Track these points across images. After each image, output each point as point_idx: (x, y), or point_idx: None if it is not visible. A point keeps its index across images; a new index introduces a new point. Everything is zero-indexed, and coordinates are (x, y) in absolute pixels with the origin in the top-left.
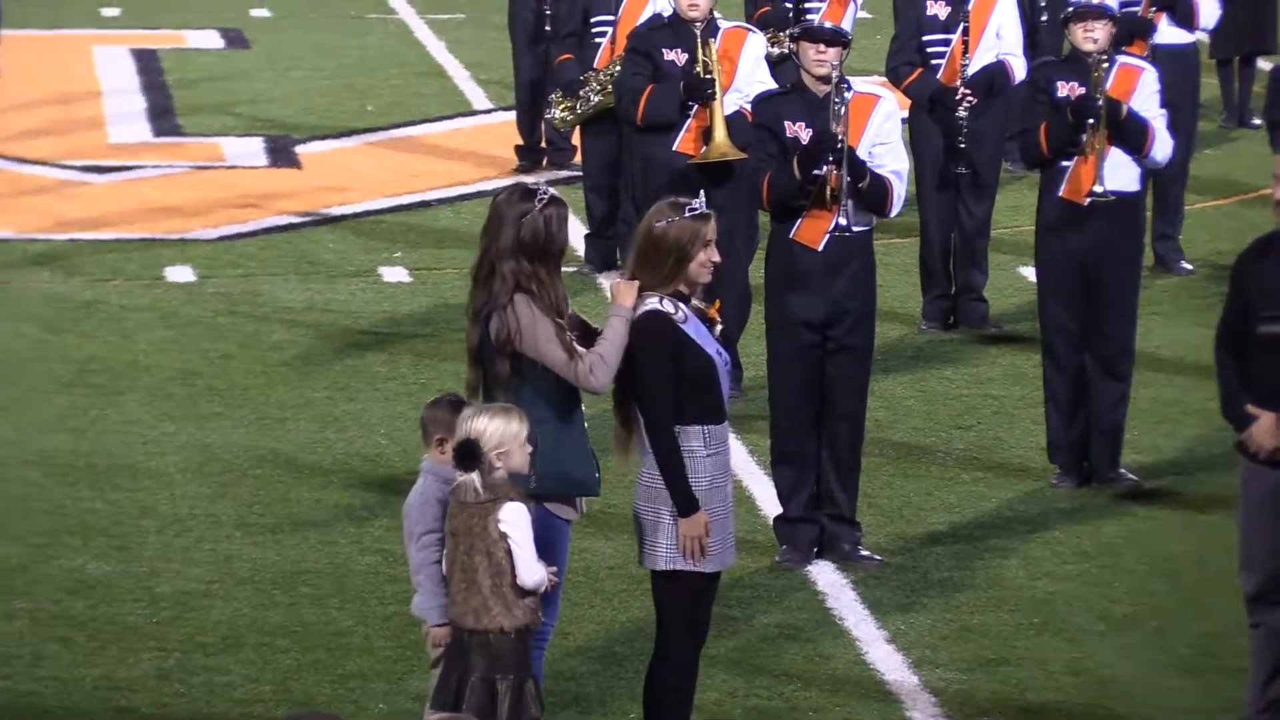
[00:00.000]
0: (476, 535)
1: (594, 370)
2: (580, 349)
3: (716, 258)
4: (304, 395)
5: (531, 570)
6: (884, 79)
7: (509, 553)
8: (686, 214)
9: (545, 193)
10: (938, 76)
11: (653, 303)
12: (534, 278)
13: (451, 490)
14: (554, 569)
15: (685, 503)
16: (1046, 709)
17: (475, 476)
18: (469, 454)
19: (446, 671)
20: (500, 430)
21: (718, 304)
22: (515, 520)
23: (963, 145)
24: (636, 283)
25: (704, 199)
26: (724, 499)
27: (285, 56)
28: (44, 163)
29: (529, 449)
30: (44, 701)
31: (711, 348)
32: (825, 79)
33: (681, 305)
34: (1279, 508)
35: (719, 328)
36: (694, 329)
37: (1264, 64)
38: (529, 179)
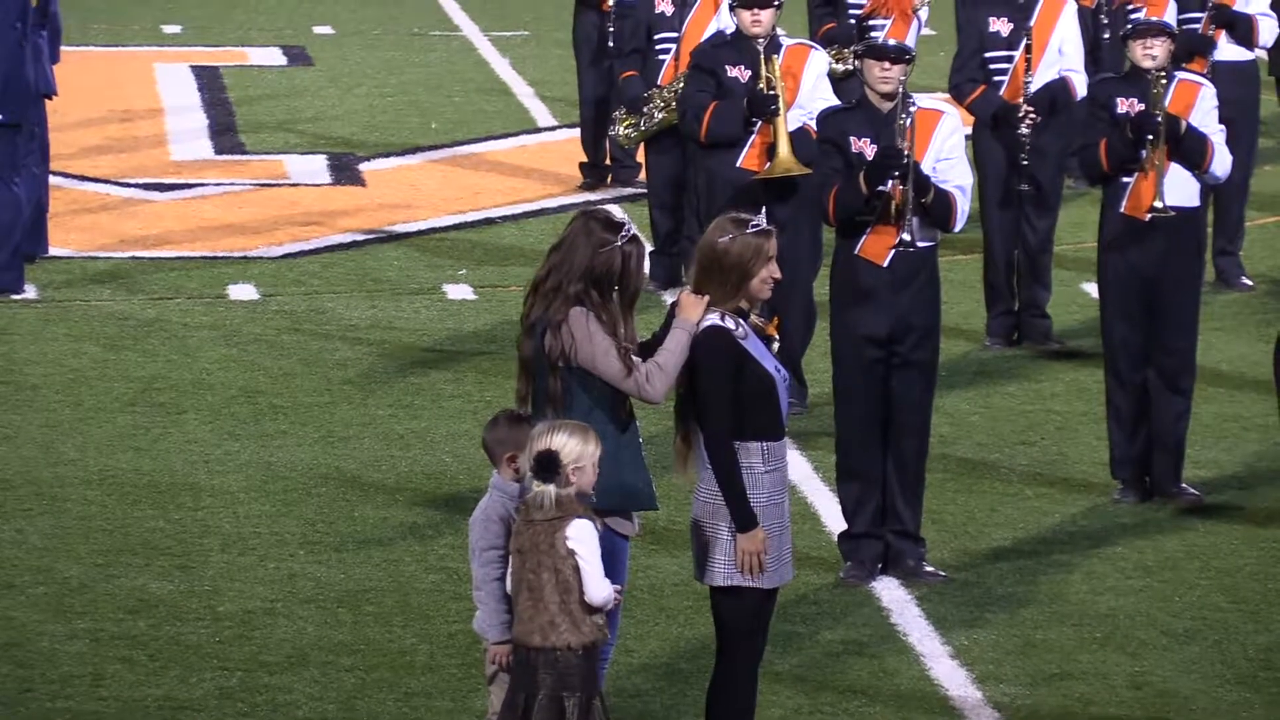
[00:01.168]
0: (544, 552)
1: (650, 379)
2: (637, 360)
3: (778, 274)
4: (368, 413)
5: (600, 587)
6: (947, 95)
7: (577, 569)
8: (748, 230)
9: (629, 229)
10: (1000, 93)
11: (713, 318)
12: (600, 306)
13: (519, 506)
14: (619, 586)
15: (744, 518)
16: None
17: (552, 489)
18: (550, 465)
19: (513, 690)
20: (578, 447)
21: (776, 321)
22: (583, 537)
23: (1025, 162)
24: (705, 298)
25: (766, 215)
26: (782, 515)
27: (348, 73)
28: (106, 180)
29: (598, 470)
30: None
31: (770, 364)
32: (889, 95)
33: (742, 322)
34: None
35: (777, 344)
36: (754, 345)
37: None
38: (594, 197)
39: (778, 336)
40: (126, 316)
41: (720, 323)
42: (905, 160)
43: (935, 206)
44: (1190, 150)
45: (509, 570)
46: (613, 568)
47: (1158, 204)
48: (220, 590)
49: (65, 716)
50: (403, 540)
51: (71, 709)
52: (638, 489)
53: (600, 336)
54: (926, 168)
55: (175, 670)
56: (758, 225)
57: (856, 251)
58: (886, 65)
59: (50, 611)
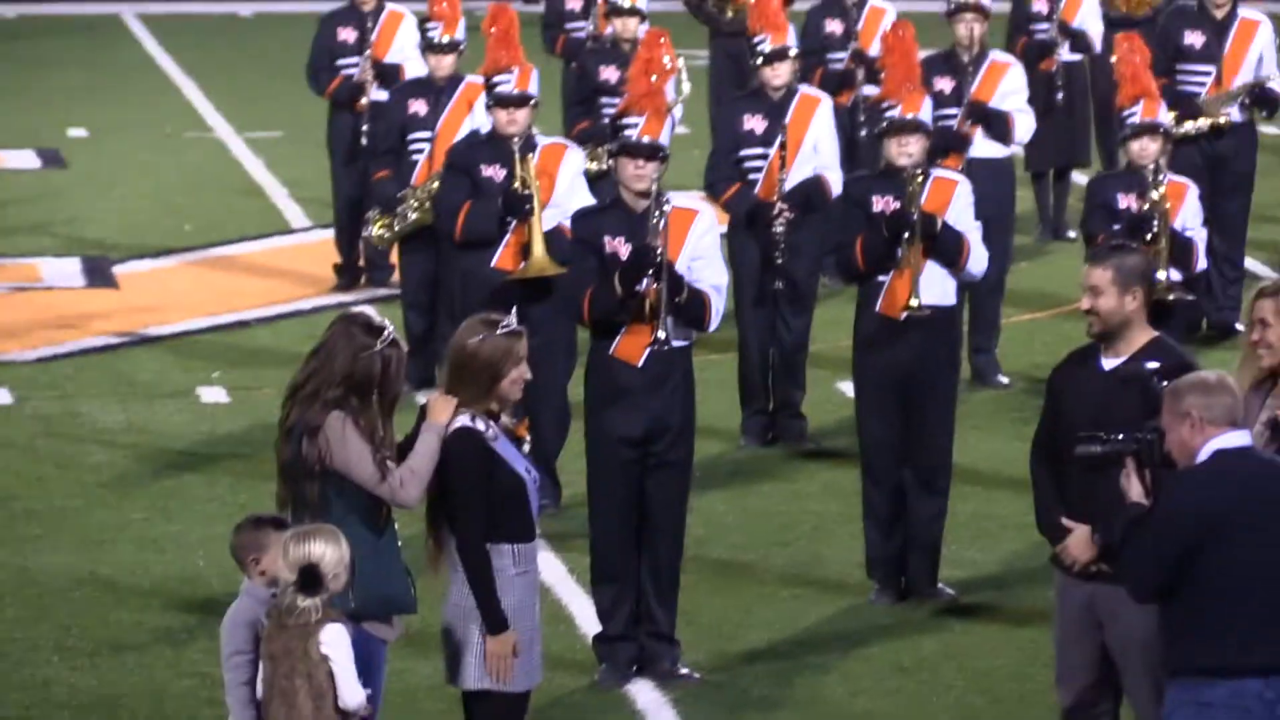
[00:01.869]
0: (297, 658)
1: (405, 484)
2: (391, 465)
3: (528, 375)
4: (123, 517)
5: (354, 691)
6: (702, 194)
7: (331, 675)
8: (499, 331)
9: (389, 333)
10: (755, 191)
11: (463, 420)
12: (359, 411)
13: (268, 612)
14: (368, 692)
15: (494, 621)
16: None
17: (317, 600)
18: (314, 579)
19: None
20: (335, 553)
21: (525, 422)
22: (336, 642)
23: (780, 260)
24: (454, 400)
25: (519, 315)
26: (532, 618)
27: (103, 175)
28: None
29: (350, 573)
30: None
31: (521, 465)
32: (644, 194)
33: (492, 424)
34: (1091, 621)
35: (528, 445)
36: (504, 447)
37: (1079, 177)
38: (348, 298)
39: (528, 438)
40: None
41: (470, 424)
42: (659, 259)
43: (690, 306)
44: (946, 248)
45: (260, 675)
46: (370, 672)
47: (913, 302)
48: None
49: None
50: (156, 645)
51: None
52: (397, 593)
53: (355, 441)
54: (681, 267)
55: None
56: (508, 326)
57: (611, 352)
58: (640, 163)
59: None
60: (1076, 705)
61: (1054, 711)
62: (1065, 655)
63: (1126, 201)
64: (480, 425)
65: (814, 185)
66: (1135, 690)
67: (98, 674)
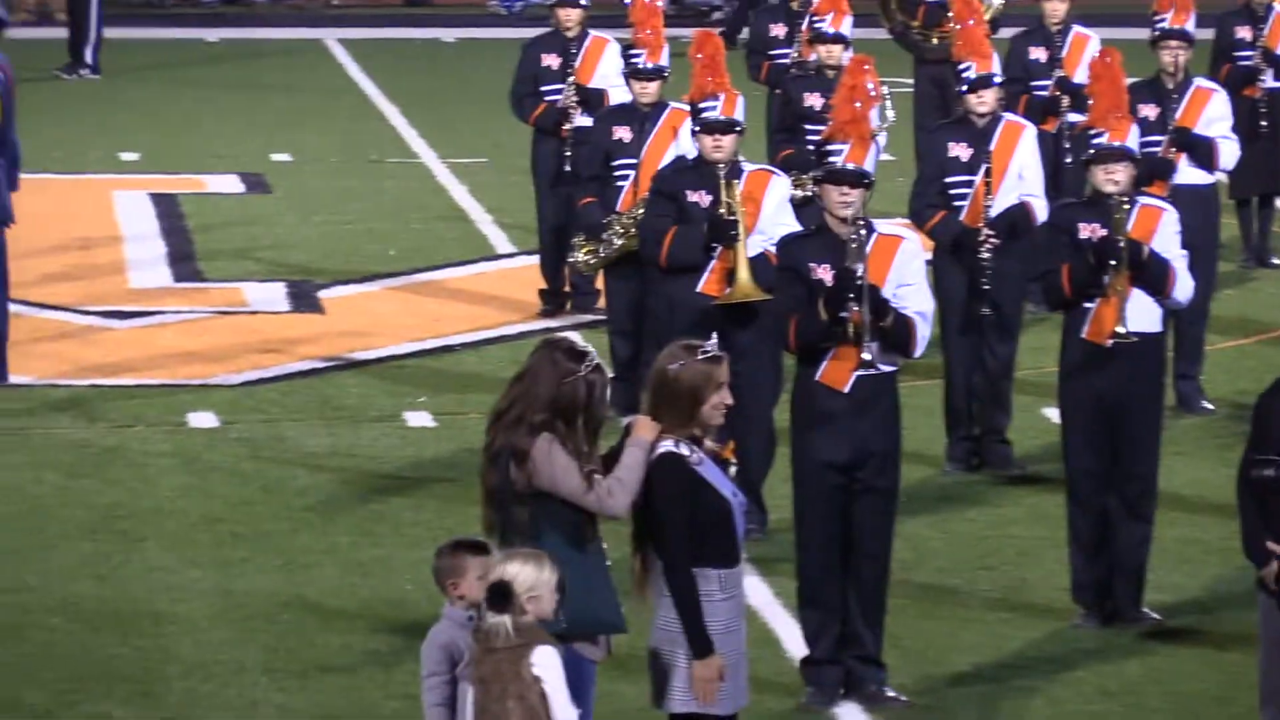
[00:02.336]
0: (508, 680)
1: (612, 493)
2: (598, 477)
3: (729, 400)
4: (329, 540)
5: (567, 713)
6: (907, 221)
7: (543, 696)
8: (699, 356)
9: (593, 359)
10: (960, 218)
11: (668, 445)
12: (564, 435)
13: (475, 635)
14: (580, 713)
15: (700, 645)
16: None
17: (507, 619)
18: (501, 595)
19: None
20: (533, 575)
21: (732, 445)
22: (548, 663)
23: (986, 287)
24: (656, 424)
25: (725, 341)
26: (738, 642)
27: (306, 201)
28: (65, 308)
29: (558, 596)
30: None
31: (727, 489)
32: (848, 220)
33: (695, 448)
34: None
35: (734, 469)
36: (709, 471)
37: None
38: (554, 324)
39: (734, 460)
40: (86, 444)
41: (674, 449)
42: (862, 284)
43: (895, 331)
44: (1153, 276)
45: (469, 700)
46: (579, 693)
47: (1120, 329)
48: (183, 717)
49: None
50: (364, 667)
51: None
52: (605, 613)
53: (562, 457)
54: (886, 293)
55: None
56: (708, 352)
57: (817, 378)
58: (845, 190)
59: None
60: None
61: None
62: (1270, 678)
63: None
64: (684, 450)
65: (1019, 212)
66: None
67: (306, 695)
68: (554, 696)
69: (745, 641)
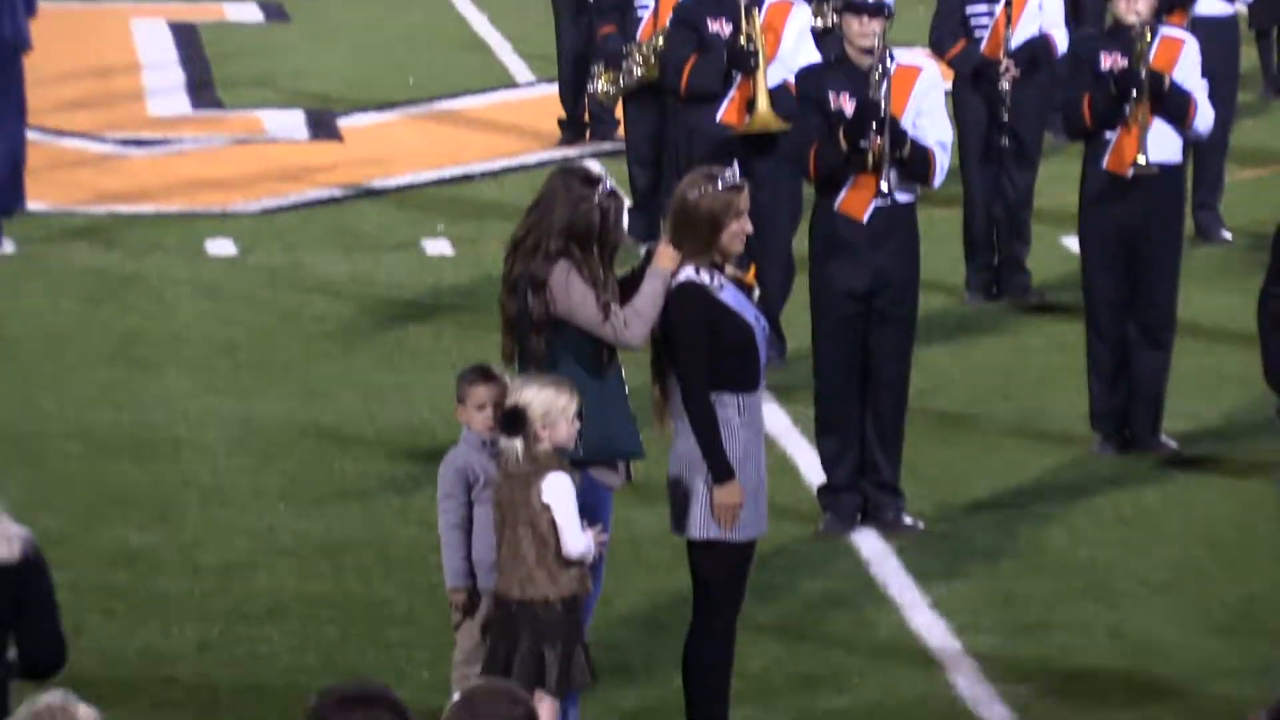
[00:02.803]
0: (520, 506)
1: (629, 324)
2: (615, 307)
3: (749, 228)
4: (347, 368)
5: (576, 540)
6: (927, 51)
7: (553, 524)
8: (719, 184)
9: (607, 184)
10: (981, 48)
11: (688, 273)
12: (582, 261)
13: (498, 461)
14: (601, 529)
15: (720, 471)
16: (1088, 673)
17: (518, 443)
18: (514, 421)
19: (494, 642)
20: (549, 402)
21: (754, 269)
22: (558, 491)
23: (1006, 117)
24: (678, 250)
25: (738, 169)
26: (758, 468)
27: (325, 30)
28: (83, 135)
29: (576, 424)
30: (87, 672)
31: (750, 314)
32: (869, 51)
33: (717, 274)
34: None
35: (757, 293)
36: (731, 296)
37: None
38: (573, 152)
39: (756, 285)
40: (105, 271)
41: (695, 277)
42: (883, 114)
43: (914, 161)
44: (1174, 106)
45: (488, 525)
46: (596, 519)
47: (1141, 159)
48: (200, 543)
49: None
50: (382, 493)
51: None
52: (621, 438)
53: (578, 284)
54: (906, 123)
55: (155, 622)
56: (729, 179)
57: (836, 207)
58: (865, 20)
59: None
60: None
61: (1276, 562)
62: None
63: None
64: (705, 277)
65: (1040, 43)
66: None
67: (323, 521)
68: (563, 524)
69: (765, 468)
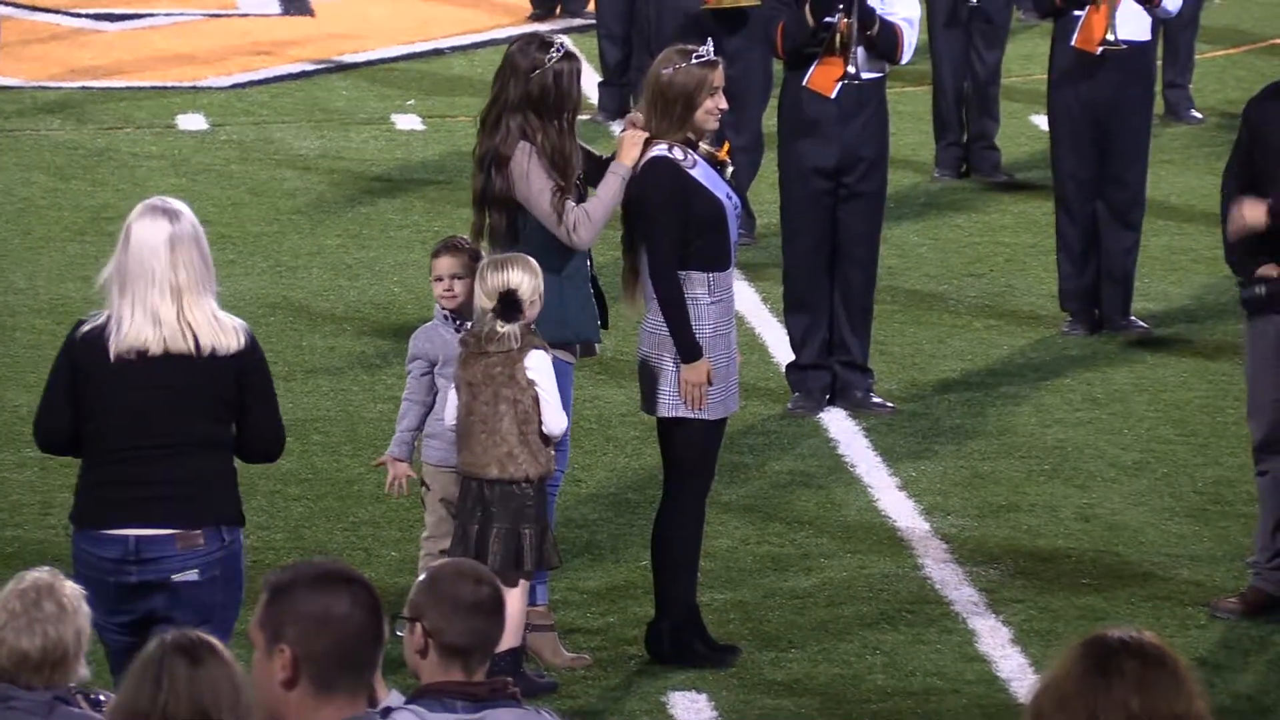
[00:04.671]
0: (501, 383)
1: (577, 228)
2: (570, 205)
3: (724, 105)
4: (317, 243)
5: (558, 417)
6: None
7: (536, 400)
8: (693, 60)
9: (560, 46)
10: None
11: (660, 149)
12: (540, 130)
13: (462, 339)
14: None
15: (688, 349)
16: (1057, 554)
17: (516, 326)
18: (514, 304)
19: (462, 522)
20: (531, 281)
21: (726, 146)
22: (542, 367)
23: None
24: (643, 137)
25: (713, 46)
26: (727, 346)
27: None
28: (55, 10)
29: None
30: (55, 549)
31: (721, 191)
32: None
33: (690, 151)
34: (1277, 349)
35: (730, 170)
36: (703, 173)
37: None
38: (544, 28)
39: (729, 162)
40: (76, 146)
41: (665, 153)
42: None
43: (882, 38)
44: None
45: (452, 402)
46: (560, 395)
47: (1110, 37)
48: None
49: (14, 545)
50: (350, 370)
51: (20, 536)
52: (579, 322)
53: (537, 175)
54: (873, 0)
55: None
56: (703, 56)
57: (804, 83)
58: None
59: (3, 437)
60: (1268, 439)
61: (1245, 444)
62: (1257, 389)
63: None
64: (677, 154)
65: None
66: None
67: (291, 397)
68: (546, 400)
69: (735, 347)
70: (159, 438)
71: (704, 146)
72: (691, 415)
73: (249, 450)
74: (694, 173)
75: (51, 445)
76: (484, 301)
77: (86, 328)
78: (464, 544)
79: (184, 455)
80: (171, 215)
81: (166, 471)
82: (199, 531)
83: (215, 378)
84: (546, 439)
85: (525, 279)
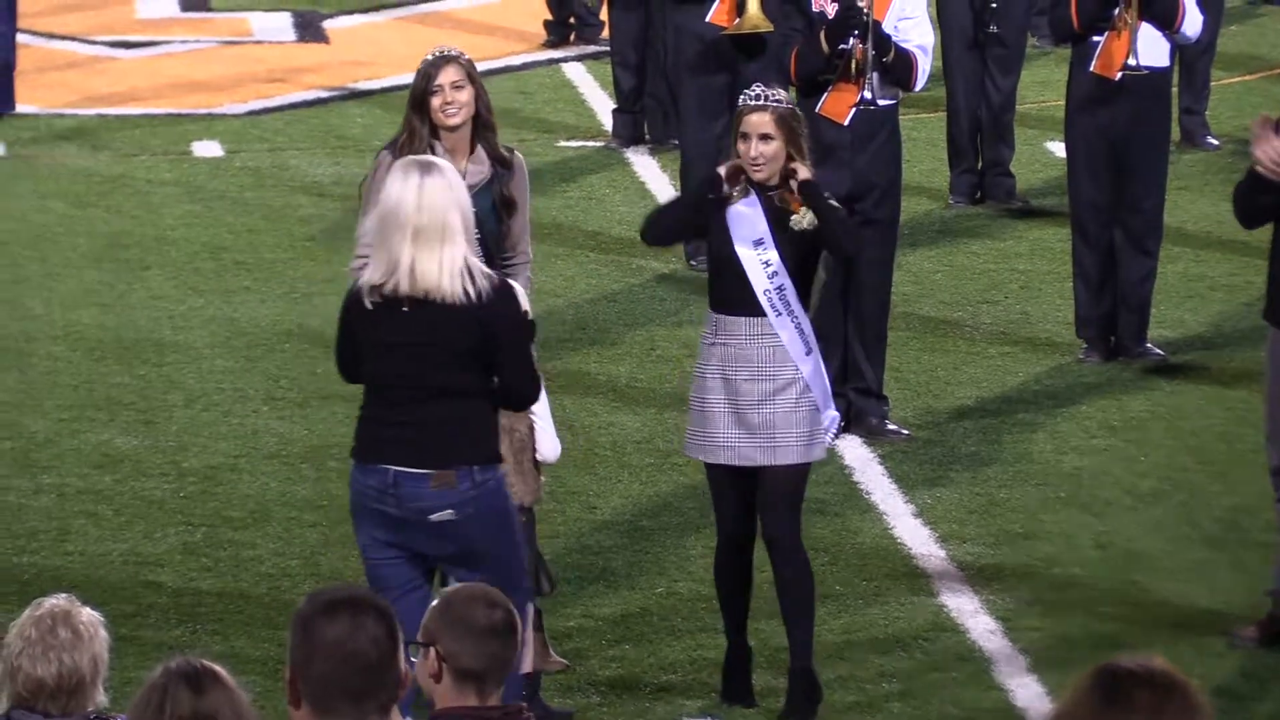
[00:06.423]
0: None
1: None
2: None
3: (757, 150)
4: (332, 269)
5: (552, 445)
6: None
7: (531, 428)
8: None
9: (444, 50)
10: None
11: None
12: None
13: None
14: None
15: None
16: (1073, 583)
17: None
18: None
19: None
20: (526, 306)
21: (797, 203)
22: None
23: (991, 19)
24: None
25: (733, 72)
26: (723, 392)
27: None
28: (71, 38)
29: None
30: (71, 576)
31: (749, 239)
32: None
33: (750, 189)
34: None
35: (797, 224)
36: (737, 215)
37: None
38: (558, 54)
39: (797, 215)
40: (92, 173)
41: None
42: (865, 19)
43: (896, 65)
44: (1162, 9)
45: None
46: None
47: (1130, 62)
48: (185, 446)
49: (30, 571)
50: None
51: (37, 563)
52: None
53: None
54: (888, 27)
55: (140, 525)
56: (749, 97)
57: (818, 110)
58: None
59: (16, 466)
60: None
61: (1263, 471)
62: (1276, 414)
63: None
64: (730, 189)
65: None
66: None
67: (307, 424)
68: (542, 429)
69: (739, 401)
70: (414, 380)
71: (785, 195)
72: (694, 457)
73: (505, 396)
74: (730, 209)
75: (347, 379)
76: None
77: (360, 278)
78: None
79: (438, 399)
80: (424, 167)
81: (422, 413)
82: (451, 471)
83: (465, 328)
84: (539, 466)
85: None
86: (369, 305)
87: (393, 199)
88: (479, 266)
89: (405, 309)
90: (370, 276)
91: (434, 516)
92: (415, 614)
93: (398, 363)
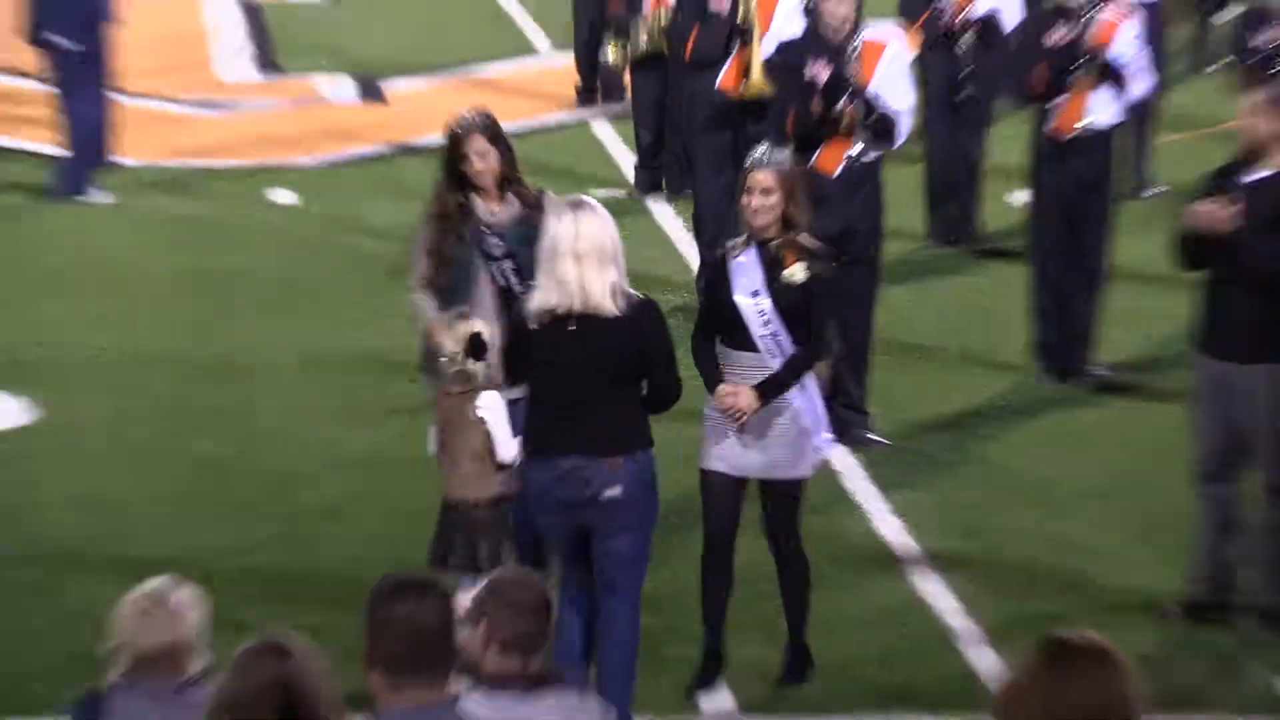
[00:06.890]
0: (458, 422)
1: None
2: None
3: (758, 203)
4: (395, 301)
5: (508, 448)
6: (899, 22)
7: (487, 435)
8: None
9: (469, 115)
10: (944, 19)
11: (737, 238)
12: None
13: (440, 380)
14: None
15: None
16: (1025, 569)
17: (482, 366)
18: (481, 347)
19: (436, 536)
20: (490, 329)
21: (793, 258)
22: (492, 405)
23: (970, 68)
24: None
25: (738, 130)
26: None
27: (371, 6)
28: (160, 98)
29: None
30: (178, 565)
31: (747, 290)
32: (843, 22)
33: (751, 245)
34: (1217, 393)
35: (790, 277)
36: (739, 269)
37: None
38: (587, 113)
39: (791, 271)
40: (184, 218)
41: (729, 241)
42: (854, 86)
43: (879, 126)
44: (1116, 75)
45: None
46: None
47: (1081, 123)
48: (270, 454)
49: (142, 559)
50: (426, 411)
51: (146, 554)
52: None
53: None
54: (873, 91)
55: (231, 520)
56: (753, 158)
57: (811, 164)
58: (837, 1)
59: (126, 469)
60: (1204, 468)
61: (1190, 476)
62: (1197, 424)
63: None
64: (732, 243)
65: (988, 20)
66: (1265, 453)
67: (378, 438)
68: (496, 433)
69: (738, 420)
70: (580, 387)
71: (786, 252)
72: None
73: (652, 399)
74: (734, 261)
75: (512, 384)
76: (452, 346)
77: (528, 303)
78: (434, 555)
79: (603, 402)
80: (575, 204)
81: (589, 413)
82: (620, 458)
83: (622, 341)
84: (499, 466)
85: (485, 326)
86: (535, 326)
87: (551, 233)
88: (626, 288)
89: (571, 327)
90: (541, 301)
91: (605, 494)
92: (582, 577)
93: (567, 372)
